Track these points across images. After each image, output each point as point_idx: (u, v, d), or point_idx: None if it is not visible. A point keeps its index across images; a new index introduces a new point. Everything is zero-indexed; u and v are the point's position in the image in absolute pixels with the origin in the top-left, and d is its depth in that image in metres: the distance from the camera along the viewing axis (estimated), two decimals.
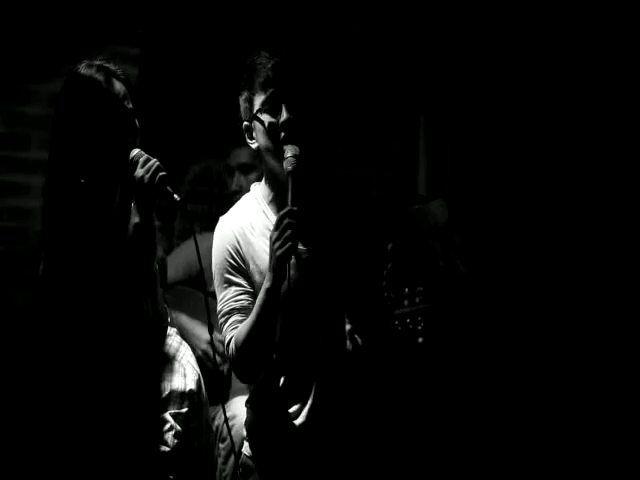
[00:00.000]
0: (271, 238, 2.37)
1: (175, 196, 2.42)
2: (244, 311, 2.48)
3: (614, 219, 4.00)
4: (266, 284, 2.39)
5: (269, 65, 2.48)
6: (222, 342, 3.33)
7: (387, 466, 2.74)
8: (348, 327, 2.56)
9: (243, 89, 2.54)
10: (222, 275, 2.54)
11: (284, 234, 2.34)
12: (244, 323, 2.45)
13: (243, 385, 3.08)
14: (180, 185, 4.52)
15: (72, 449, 2.42)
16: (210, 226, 4.32)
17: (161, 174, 2.43)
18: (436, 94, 4.58)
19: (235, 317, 2.49)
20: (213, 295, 3.50)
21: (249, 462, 2.59)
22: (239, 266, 2.52)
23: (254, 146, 2.56)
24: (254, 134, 2.54)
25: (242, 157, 3.83)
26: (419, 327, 2.57)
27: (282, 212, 2.37)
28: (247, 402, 2.63)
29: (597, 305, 3.86)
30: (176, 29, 4.40)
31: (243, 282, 2.52)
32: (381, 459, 2.63)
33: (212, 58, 4.45)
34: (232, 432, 3.36)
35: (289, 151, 2.43)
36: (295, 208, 2.36)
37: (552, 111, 4.22)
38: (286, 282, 2.40)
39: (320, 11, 4.53)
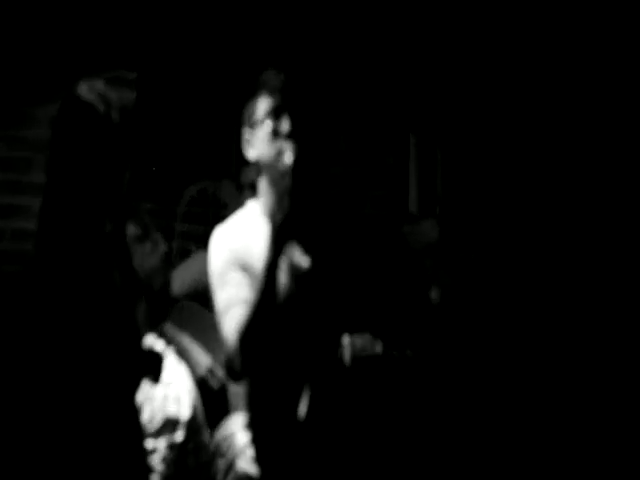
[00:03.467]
0: None
1: None
2: (245, 305, 2.45)
3: (608, 234, 4.05)
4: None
5: (275, 76, 2.57)
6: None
7: (387, 466, 2.78)
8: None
9: (249, 100, 2.61)
10: (223, 274, 2.54)
11: None
12: (245, 312, 2.44)
13: (238, 404, 3.11)
14: (177, 206, 4.57)
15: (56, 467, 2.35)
16: (207, 247, 4.37)
17: None
18: (426, 114, 4.63)
19: (236, 309, 2.47)
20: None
21: (246, 476, 2.60)
22: (240, 264, 2.52)
23: (254, 154, 2.60)
24: (254, 142, 2.59)
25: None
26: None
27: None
28: (245, 423, 2.66)
29: (596, 322, 3.90)
30: (174, 52, 4.44)
31: (245, 278, 2.51)
32: (380, 460, 2.66)
33: (210, 81, 4.49)
34: (228, 449, 3.40)
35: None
36: None
37: (542, 131, 4.27)
38: (284, 290, 2.45)
39: (313, 30, 4.58)
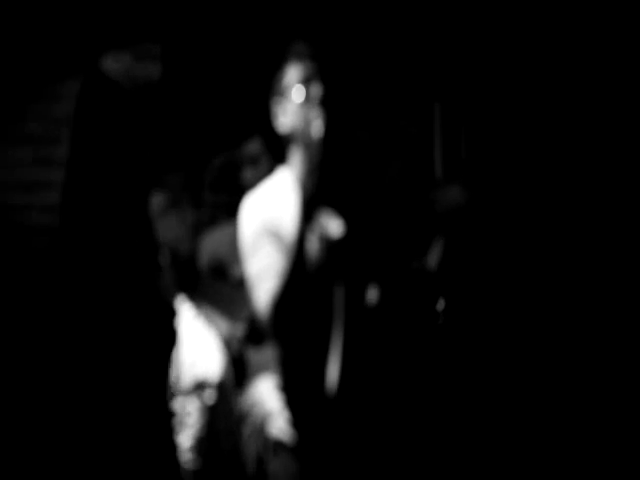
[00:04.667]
0: None
1: None
2: (278, 275, 2.50)
3: (632, 203, 4.04)
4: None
5: (305, 45, 2.60)
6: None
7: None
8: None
9: (276, 69, 2.64)
10: (255, 244, 2.58)
11: None
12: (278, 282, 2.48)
13: (259, 371, 3.15)
14: (205, 176, 4.59)
15: (84, 436, 2.39)
16: (233, 217, 4.39)
17: None
18: (451, 83, 4.64)
19: (269, 280, 2.51)
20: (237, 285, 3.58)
21: (278, 441, 2.66)
22: (272, 234, 2.56)
23: (284, 123, 2.61)
24: (285, 111, 2.61)
25: None
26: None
27: None
28: (275, 386, 2.70)
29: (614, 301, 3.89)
30: (197, 24, 4.45)
31: (276, 247, 2.55)
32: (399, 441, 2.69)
33: (236, 51, 4.50)
34: (255, 414, 3.46)
35: None
36: None
37: (565, 100, 4.25)
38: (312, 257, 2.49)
39: (336, 2, 4.58)
